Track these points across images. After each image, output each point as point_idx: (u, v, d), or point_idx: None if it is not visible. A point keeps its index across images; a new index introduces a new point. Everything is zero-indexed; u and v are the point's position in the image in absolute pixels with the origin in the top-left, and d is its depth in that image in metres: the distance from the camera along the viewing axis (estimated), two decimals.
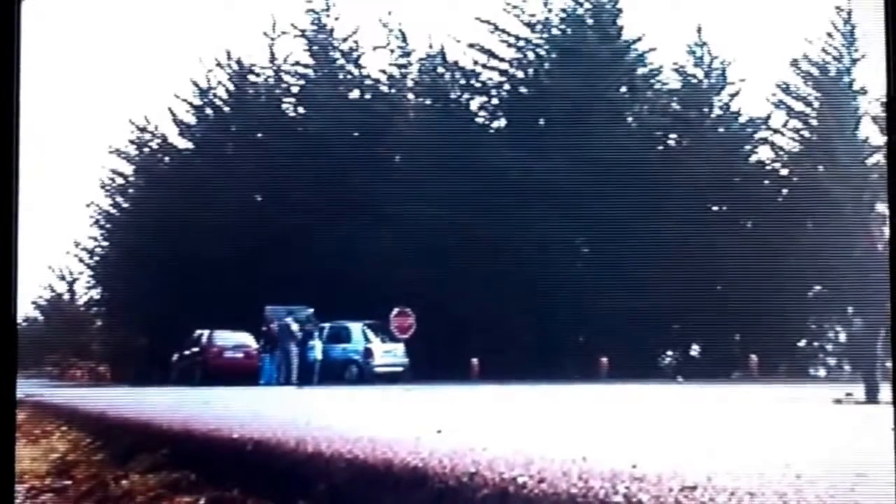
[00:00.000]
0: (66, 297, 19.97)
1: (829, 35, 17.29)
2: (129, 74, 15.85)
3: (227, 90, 18.94)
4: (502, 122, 18.50)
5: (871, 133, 16.58)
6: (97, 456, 8.39)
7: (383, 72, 18.75)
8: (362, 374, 16.55)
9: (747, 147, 18.04)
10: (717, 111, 18.14)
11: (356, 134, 17.89)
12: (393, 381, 16.14)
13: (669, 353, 17.36)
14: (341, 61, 18.81)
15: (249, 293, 15.66)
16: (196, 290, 16.56)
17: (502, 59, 18.25)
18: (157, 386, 15.86)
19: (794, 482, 4.20)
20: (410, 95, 18.93)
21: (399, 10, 18.36)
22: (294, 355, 16.24)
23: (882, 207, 9.84)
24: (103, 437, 8.91)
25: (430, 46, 18.50)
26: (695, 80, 18.14)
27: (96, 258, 19.66)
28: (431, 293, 16.32)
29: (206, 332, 17.04)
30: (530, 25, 18.14)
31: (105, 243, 19.55)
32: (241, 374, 16.21)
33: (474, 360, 16.64)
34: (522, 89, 18.34)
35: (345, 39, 18.77)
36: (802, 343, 16.44)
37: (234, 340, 16.99)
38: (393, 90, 18.73)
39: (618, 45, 17.91)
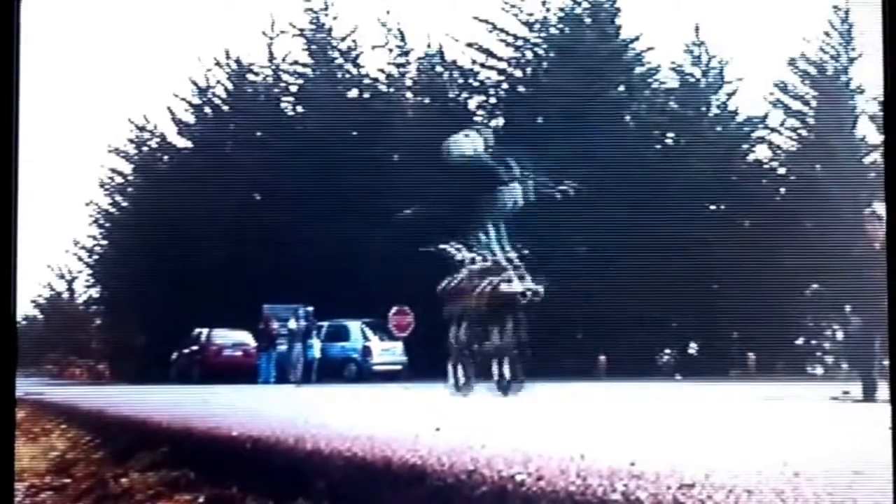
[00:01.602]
0: (66, 295, 19.96)
1: (827, 34, 17.31)
2: (128, 74, 15.85)
3: (226, 89, 18.94)
4: (500, 121, 18.52)
5: (869, 132, 16.63)
6: (97, 454, 8.40)
7: (382, 71, 18.77)
8: (361, 372, 16.57)
9: (745, 146, 18.05)
10: (714, 110, 18.14)
11: (355, 133, 17.91)
12: (391, 380, 16.15)
13: (668, 351, 17.38)
14: (340, 60, 18.82)
15: (248, 291, 15.67)
16: (195, 288, 16.56)
17: (500, 59, 18.27)
18: (156, 384, 15.87)
19: (792, 479, 4.22)
20: (409, 94, 18.95)
21: (397, 10, 18.37)
22: (295, 354, 16.26)
23: (879, 206, 9.87)
24: (103, 435, 8.92)
25: (429, 45, 18.53)
26: (692, 79, 18.16)
27: (95, 257, 19.66)
28: (430, 291, 16.33)
29: (204, 331, 17.06)
30: (528, 24, 18.15)
31: (104, 242, 19.54)
32: (240, 372, 16.23)
33: None
34: (521, 88, 18.36)
35: (343, 38, 18.78)
36: (800, 341, 16.46)
37: (232, 339, 17.01)
38: (391, 89, 18.74)
39: (616, 44, 17.93)
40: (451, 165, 8.93)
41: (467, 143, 9.06)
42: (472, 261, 9.10)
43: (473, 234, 8.82)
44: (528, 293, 8.60)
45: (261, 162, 17.14)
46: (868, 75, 16.65)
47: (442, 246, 9.10)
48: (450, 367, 9.95)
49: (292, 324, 16.32)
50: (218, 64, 18.89)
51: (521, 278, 8.69)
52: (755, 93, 18.62)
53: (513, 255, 8.84)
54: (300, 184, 15.90)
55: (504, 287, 8.93)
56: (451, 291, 9.26)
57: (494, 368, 9.30)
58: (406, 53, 18.68)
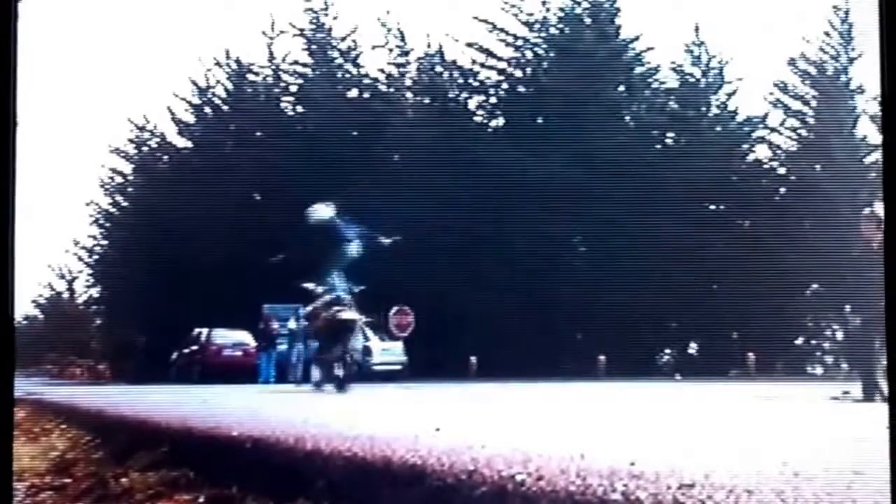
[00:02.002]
0: (66, 295, 20.02)
1: (827, 34, 17.34)
2: (128, 74, 15.88)
3: (226, 89, 18.98)
4: (500, 121, 18.53)
5: (869, 132, 16.64)
6: (96, 454, 8.38)
7: (382, 71, 18.81)
8: (361, 372, 16.56)
9: (745, 146, 18.08)
10: (714, 110, 18.18)
11: (355, 133, 17.92)
12: (391, 379, 16.16)
13: (667, 350, 17.40)
14: (340, 60, 18.84)
15: (248, 291, 15.67)
16: (195, 288, 16.56)
17: (500, 58, 18.30)
18: (155, 384, 15.88)
19: (792, 479, 4.21)
20: (409, 94, 18.96)
21: (397, 10, 18.42)
22: (295, 354, 16.27)
23: (878, 206, 9.88)
24: (102, 434, 8.91)
25: (429, 45, 18.57)
26: (692, 79, 18.18)
27: (95, 257, 19.71)
28: (430, 291, 16.33)
29: (204, 331, 17.08)
30: (528, 24, 18.18)
31: (104, 242, 19.59)
32: (240, 372, 16.23)
33: (472, 358, 16.66)
34: (521, 88, 18.37)
35: (343, 38, 18.81)
36: (800, 341, 16.48)
37: (232, 339, 17.02)
38: (391, 89, 18.76)
39: (615, 44, 17.95)
40: (311, 227, 12.65)
41: (321, 212, 12.67)
42: (323, 294, 12.59)
43: (326, 276, 12.57)
44: (359, 320, 12.45)
45: (261, 162, 17.15)
46: (868, 75, 16.68)
47: (305, 284, 12.63)
48: (312, 371, 13.22)
49: (292, 324, 16.31)
50: (218, 64, 18.95)
51: (352, 308, 12.40)
52: (755, 93, 18.68)
53: (351, 293, 12.56)
54: (300, 184, 15.90)
55: (341, 315, 12.35)
56: (310, 315, 13.06)
57: (335, 371, 12.43)
58: (406, 53, 18.71)
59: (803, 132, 17.85)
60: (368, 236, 12.25)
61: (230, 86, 18.98)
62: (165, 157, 19.44)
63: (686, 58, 18.05)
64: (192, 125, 19.15)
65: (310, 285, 12.63)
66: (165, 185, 18.19)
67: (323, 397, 12.52)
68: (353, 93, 18.94)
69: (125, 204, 19.43)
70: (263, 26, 18.67)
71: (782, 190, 17.53)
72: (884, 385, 10.16)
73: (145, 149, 19.32)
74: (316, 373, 12.89)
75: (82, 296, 20.17)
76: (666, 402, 10.92)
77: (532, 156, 16.42)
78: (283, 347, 16.43)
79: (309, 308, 12.84)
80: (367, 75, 18.83)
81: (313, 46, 18.83)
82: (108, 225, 19.46)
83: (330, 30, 18.78)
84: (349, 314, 12.28)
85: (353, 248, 12.24)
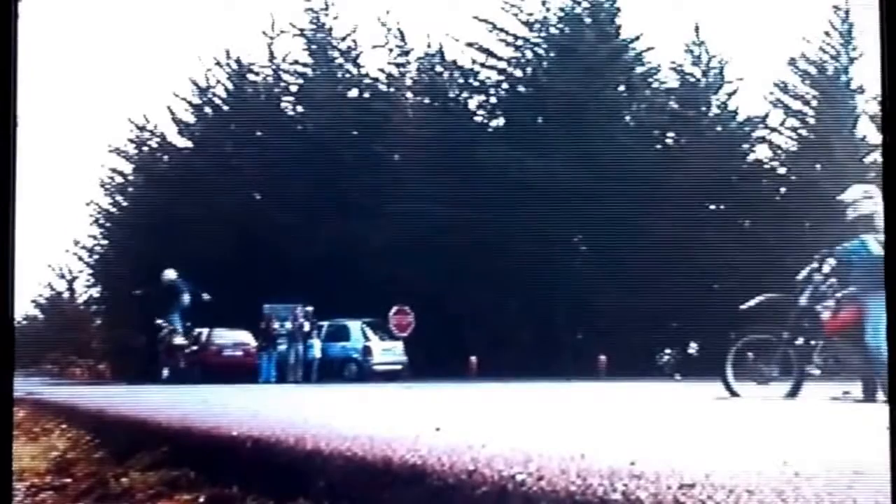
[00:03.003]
0: (66, 295, 20.04)
1: (827, 34, 17.34)
2: (128, 73, 15.89)
3: (227, 89, 18.98)
4: (501, 121, 18.53)
5: (869, 131, 16.64)
6: (97, 454, 8.38)
7: (382, 70, 18.81)
8: (361, 372, 16.59)
9: (745, 146, 18.07)
10: (714, 110, 18.17)
11: (355, 132, 17.93)
12: (392, 379, 16.16)
13: (668, 350, 17.38)
14: (340, 60, 18.84)
15: (248, 291, 15.68)
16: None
17: (500, 58, 18.30)
18: (156, 384, 15.88)
19: (792, 479, 4.21)
20: (409, 94, 18.96)
21: (397, 10, 18.42)
22: (295, 354, 16.28)
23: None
24: (103, 434, 8.90)
25: (429, 45, 18.57)
26: (693, 79, 18.18)
27: (96, 256, 19.71)
28: (430, 291, 16.34)
29: (205, 331, 17.07)
30: (528, 24, 18.17)
31: (104, 242, 19.60)
32: (240, 372, 16.23)
33: (473, 358, 16.66)
34: (521, 88, 18.37)
35: (343, 38, 18.81)
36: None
37: (232, 338, 17.02)
38: (391, 89, 18.76)
39: (616, 44, 17.94)
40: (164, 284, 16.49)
41: (168, 275, 16.44)
42: (164, 327, 17.08)
43: (168, 316, 16.91)
44: (185, 343, 17.09)
45: (261, 162, 17.16)
46: (868, 75, 16.69)
47: (157, 321, 16.97)
48: (162, 371, 17.24)
49: (289, 324, 16.33)
50: (218, 64, 18.94)
51: (182, 336, 17.14)
52: (755, 93, 18.68)
53: (183, 326, 17.04)
54: (300, 184, 15.91)
55: (175, 340, 16.91)
56: (160, 340, 17.19)
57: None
58: (406, 53, 18.70)
59: (803, 132, 17.85)
60: (195, 293, 16.34)
61: (230, 86, 18.98)
62: (165, 157, 19.44)
63: (686, 58, 18.05)
64: (192, 125, 19.15)
65: (159, 321, 17.15)
66: (165, 185, 18.19)
67: (322, 397, 12.56)
68: (353, 93, 18.95)
69: (125, 204, 19.43)
70: (263, 26, 18.70)
71: (782, 190, 17.52)
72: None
73: (145, 149, 19.32)
74: (165, 371, 17.06)
75: (82, 296, 20.20)
76: (666, 402, 10.92)
77: (532, 156, 16.42)
78: (283, 347, 16.44)
79: (160, 334, 17.28)
80: (367, 75, 18.85)
81: (313, 46, 18.83)
82: (108, 225, 19.47)
83: (330, 30, 18.78)
84: (180, 340, 17.09)
85: (185, 300, 16.65)
